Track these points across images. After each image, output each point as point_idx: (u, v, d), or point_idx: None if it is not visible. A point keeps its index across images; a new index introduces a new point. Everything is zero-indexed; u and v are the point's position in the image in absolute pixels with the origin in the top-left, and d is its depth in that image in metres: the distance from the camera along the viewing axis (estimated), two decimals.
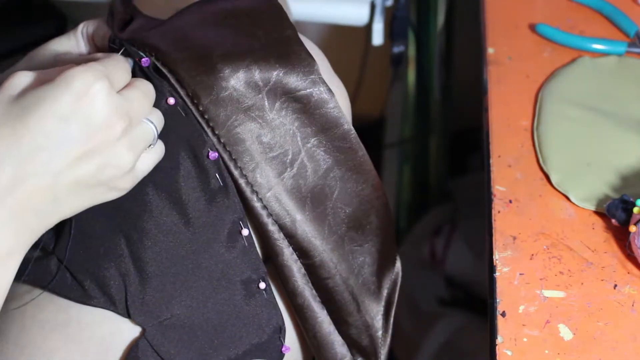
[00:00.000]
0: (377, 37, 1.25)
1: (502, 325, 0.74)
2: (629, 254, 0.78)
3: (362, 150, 0.78)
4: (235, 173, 0.73)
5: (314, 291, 0.78)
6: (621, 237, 0.80)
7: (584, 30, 1.04)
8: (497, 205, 0.84)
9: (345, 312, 0.80)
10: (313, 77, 0.74)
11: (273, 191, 0.74)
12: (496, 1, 1.08)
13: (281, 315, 0.76)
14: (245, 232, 0.73)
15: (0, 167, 0.59)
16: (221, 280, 0.73)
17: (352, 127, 0.77)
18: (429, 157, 1.64)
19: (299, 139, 0.75)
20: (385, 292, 0.83)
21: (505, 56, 1.00)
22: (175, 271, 0.72)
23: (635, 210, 0.76)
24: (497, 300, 0.75)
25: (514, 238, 0.81)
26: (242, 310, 0.74)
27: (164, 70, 0.71)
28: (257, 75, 0.72)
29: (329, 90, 0.75)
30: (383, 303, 0.83)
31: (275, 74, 0.73)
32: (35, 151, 0.60)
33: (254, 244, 0.74)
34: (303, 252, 0.76)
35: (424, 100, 1.55)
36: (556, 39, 1.01)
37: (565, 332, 0.73)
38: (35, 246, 0.64)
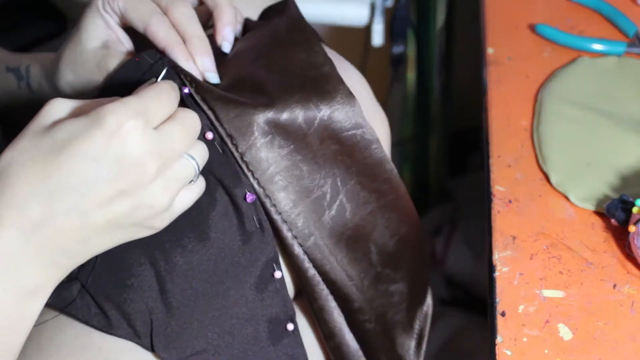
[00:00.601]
0: (377, 38, 1.25)
1: (502, 325, 0.74)
2: (629, 254, 0.78)
3: (402, 189, 0.76)
4: (276, 219, 0.71)
5: (350, 333, 0.77)
6: (621, 237, 0.80)
7: (584, 31, 1.04)
8: (497, 205, 0.84)
9: (379, 349, 0.79)
10: (356, 118, 0.72)
11: (314, 238, 0.72)
12: (496, 1, 1.08)
13: (306, 356, 0.75)
14: (278, 274, 0.72)
15: (28, 204, 0.58)
16: (250, 321, 0.71)
17: (393, 167, 0.75)
18: (429, 157, 1.64)
19: (339, 180, 0.73)
20: (417, 327, 0.82)
21: (505, 56, 1.00)
22: (204, 308, 0.70)
23: (634, 210, 0.76)
24: (497, 300, 0.76)
25: (514, 238, 0.81)
26: (268, 350, 0.72)
27: (203, 106, 0.69)
28: (300, 117, 0.70)
29: (372, 129, 0.73)
30: (415, 336, 0.82)
31: (320, 116, 0.71)
32: (64, 191, 0.58)
33: (285, 285, 0.72)
34: (341, 296, 0.75)
35: (424, 100, 1.55)
36: (556, 39, 1.01)
37: (565, 332, 0.73)
38: None
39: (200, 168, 0.64)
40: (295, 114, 0.70)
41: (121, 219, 0.60)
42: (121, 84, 0.71)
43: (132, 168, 0.59)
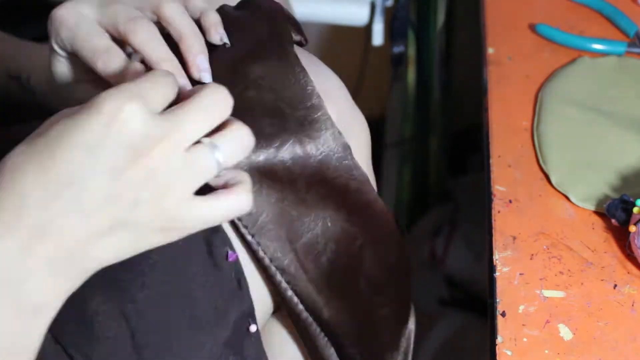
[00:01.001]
0: (377, 37, 1.25)
1: (502, 325, 0.74)
2: (629, 254, 0.78)
3: (392, 222, 0.75)
4: (269, 265, 0.69)
5: None
6: (621, 237, 0.80)
7: (584, 30, 1.03)
8: (497, 205, 0.83)
9: None
10: (348, 161, 0.70)
11: (305, 283, 0.71)
12: (496, 1, 1.07)
13: None
14: (253, 328, 0.70)
15: (25, 209, 0.52)
16: None
17: (382, 204, 0.73)
18: (429, 157, 1.64)
19: (329, 221, 0.71)
20: (402, 346, 0.81)
21: (505, 56, 1.00)
22: (176, 353, 0.67)
23: (635, 210, 0.76)
24: (497, 300, 0.75)
25: (514, 238, 0.81)
26: None
27: None
28: (290, 162, 0.67)
29: (364, 173, 0.71)
30: (401, 355, 0.82)
31: (310, 162, 0.67)
32: (62, 187, 0.52)
33: (260, 338, 0.71)
34: (334, 334, 0.75)
35: (424, 100, 1.55)
36: (556, 39, 1.01)
37: (565, 332, 0.73)
38: None
39: (232, 160, 0.56)
40: (285, 159, 0.67)
41: (126, 216, 0.53)
42: None
43: (133, 155, 0.52)
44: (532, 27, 1.03)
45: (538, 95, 0.95)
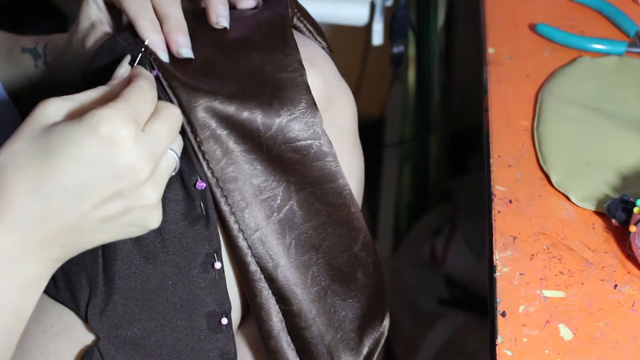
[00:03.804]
0: (377, 37, 1.25)
1: (502, 325, 0.74)
2: (629, 254, 0.78)
3: (355, 207, 0.77)
4: (225, 210, 0.72)
5: (289, 338, 0.77)
6: (621, 237, 0.80)
7: (584, 30, 1.03)
8: (497, 205, 0.84)
9: None
10: (315, 128, 0.73)
11: (259, 233, 0.73)
12: (496, 1, 1.07)
13: (236, 354, 0.75)
14: (217, 265, 0.73)
15: (29, 204, 0.60)
16: (185, 308, 0.72)
17: (347, 182, 0.76)
18: (429, 157, 1.64)
19: (292, 186, 0.74)
20: (365, 350, 0.82)
21: (505, 56, 1.00)
22: (141, 291, 0.72)
23: (635, 210, 0.76)
24: (497, 300, 0.75)
25: (514, 238, 0.81)
26: (199, 342, 0.73)
27: (169, 93, 0.70)
28: (259, 119, 0.71)
29: (329, 142, 0.74)
30: (362, 359, 0.82)
31: (278, 122, 0.72)
32: (61, 191, 0.60)
33: (224, 278, 0.74)
34: (282, 298, 0.75)
35: (424, 100, 1.55)
36: (556, 39, 1.01)
37: (565, 332, 0.73)
38: None
39: (179, 156, 0.67)
40: (254, 116, 0.71)
41: (115, 219, 0.63)
42: (99, 67, 0.73)
43: (127, 173, 0.61)
44: (532, 27, 1.03)
45: (538, 95, 0.95)
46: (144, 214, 0.64)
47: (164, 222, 0.70)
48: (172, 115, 0.65)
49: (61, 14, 1.37)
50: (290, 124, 0.72)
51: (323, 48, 0.81)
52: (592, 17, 1.06)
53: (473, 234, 1.53)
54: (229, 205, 0.72)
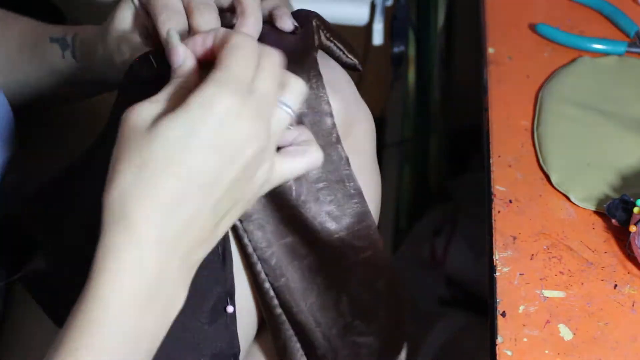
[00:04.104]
0: (377, 37, 1.25)
1: (502, 325, 0.74)
2: (629, 254, 0.78)
3: (381, 244, 0.75)
4: (251, 254, 0.71)
5: None
6: (621, 237, 0.80)
7: (584, 30, 1.03)
8: (497, 205, 0.83)
9: None
10: (347, 171, 0.72)
11: (285, 279, 0.72)
12: (496, 1, 1.07)
13: None
14: (230, 309, 0.71)
15: (161, 236, 0.56)
16: (194, 351, 0.70)
17: (374, 222, 0.74)
18: (429, 157, 1.64)
19: (319, 228, 0.72)
20: None
21: (505, 56, 1.00)
22: None
23: (635, 210, 0.76)
24: (497, 300, 0.75)
25: (514, 238, 0.81)
26: None
27: None
28: (291, 180, 0.69)
29: (356, 186, 0.72)
30: None
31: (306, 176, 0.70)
32: (189, 197, 0.56)
33: (235, 322, 0.72)
34: (307, 342, 0.75)
35: (424, 100, 1.55)
36: (556, 39, 1.01)
37: (566, 332, 0.73)
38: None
39: (296, 110, 0.62)
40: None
41: (244, 191, 0.59)
42: (139, 82, 0.69)
43: (249, 141, 0.57)
44: (532, 27, 1.03)
45: (538, 95, 0.95)
46: (264, 177, 0.60)
47: None
48: (271, 63, 0.60)
49: (61, 14, 1.37)
50: (323, 168, 0.70)
51: (355, 65, 0.79)
52: (592, 17, 1.06)
53: (473, 234, 1.53)
54: (255, 250, 0.70)
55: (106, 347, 0.56)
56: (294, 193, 0.70)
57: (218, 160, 0.56)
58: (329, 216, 0.72)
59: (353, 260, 0.74)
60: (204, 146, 0.56)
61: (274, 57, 0.60)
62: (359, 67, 0.80)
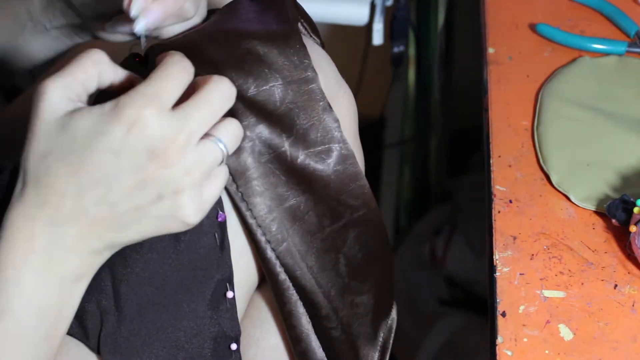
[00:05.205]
0: (377, 37, 1.25)
1: (502, 325, 0.74)
2: (629, 254, 0.78)
3: (373, 204, 0.77)
4: (251, 223, 0.72)
5: (317, 339, 0.78)
6: (621, 237, 0.80)
7: (584, 30, 1.03)
8: (497, 205, 0.83)
9: (343, 357, 0.79)
10: (335, 133, 0.73)
11: (287, 243, 0.73)
12: (496, 1, 1.07)
13: None
14: (230, 294, 0.72)
15: (62, 201, 0.59)
16: (197, 337, 0.72)
17: (366, 182, 0.76)
18: (429, 157, 1.64)
19: (313, 191, 0.73)
20: (380, 338, 0.83)
21: (505, 56, 1.00)
22: (154, 318, 0.71)
23: (635, 210, 0.76)
24: (497, 300, 0.75)
25: (514, 238, 0.81)
26: None
27: None
28: (279, 128, 0.71)
29: (349, 145, 0.74)
30: (379, 348, 0.82)
31: (298, 126, 0.71)
32: (92, 185, 0.59)
33: (235, 306, 0.73)
34: (310, 304, 0.76)
35: (424, 100, 1.55)
36: (556, 38, 1.01)
37: (566, 332, 0.73)
38: None
39: (231, 150, 0.62)
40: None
41: (147, 208, 0.60)
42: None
43: (152, 156, 0.59)
44: (532, 27, 1.03)
45: (538, 95, 0.95)
46: (176, 203, 0.60)
47: (178, 253, 0.69)
48: (210, 96, 0.61)
49: None
50: (310, 131, 0.72)
51: (319, 46, 0.81)
52: (592, 17, 1.06)
53: (473, 234, 1.53)
54: (255, 218, 0.71)
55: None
56: (288, 157, 0.72)
57: (117, 163, 0.59)
58: (325, 171, 0.74)
59: (348, 218, 0.76)
60: (104, 148, 0.59)
61: (216, 97, 0.61)
62: (319, 43, 0.81)
